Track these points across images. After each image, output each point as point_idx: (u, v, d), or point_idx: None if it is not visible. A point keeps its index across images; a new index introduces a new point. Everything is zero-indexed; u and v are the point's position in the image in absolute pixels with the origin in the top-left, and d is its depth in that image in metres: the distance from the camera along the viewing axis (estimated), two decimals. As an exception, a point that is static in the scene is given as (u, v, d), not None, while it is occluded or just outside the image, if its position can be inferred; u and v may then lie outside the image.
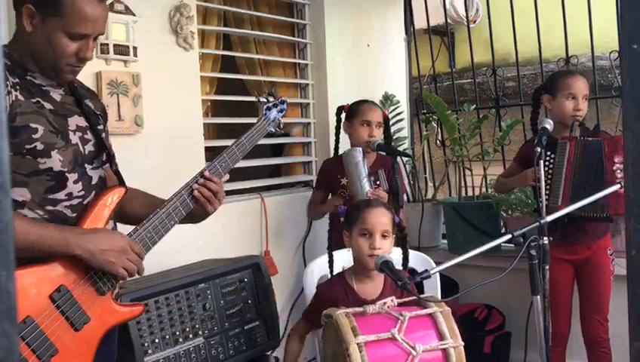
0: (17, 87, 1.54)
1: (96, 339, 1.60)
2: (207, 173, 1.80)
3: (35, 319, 1.47)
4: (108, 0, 2.41)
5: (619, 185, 2.30)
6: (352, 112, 3.00)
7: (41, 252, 1.50)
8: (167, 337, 2.27)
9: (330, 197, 3.07)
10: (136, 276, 1.68)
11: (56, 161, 1.57)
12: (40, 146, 1.54)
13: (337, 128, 3.13)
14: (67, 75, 1.63)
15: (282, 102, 2.15)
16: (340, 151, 3.09)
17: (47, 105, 1.60)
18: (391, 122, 3.68)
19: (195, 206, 1.79)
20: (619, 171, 2.55)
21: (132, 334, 2.12)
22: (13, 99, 1.51)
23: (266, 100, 2.11)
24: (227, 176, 1.87)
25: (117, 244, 1.58)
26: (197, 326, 2.38)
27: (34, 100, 1.57)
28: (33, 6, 1.55)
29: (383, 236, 2.03)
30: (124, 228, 1.76)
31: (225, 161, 1.87)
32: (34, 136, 1.53)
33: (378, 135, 2.93)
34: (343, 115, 3.06)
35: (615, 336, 2.71)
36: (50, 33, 1.55)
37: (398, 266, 2.25)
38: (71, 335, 1.54)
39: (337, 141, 3.14)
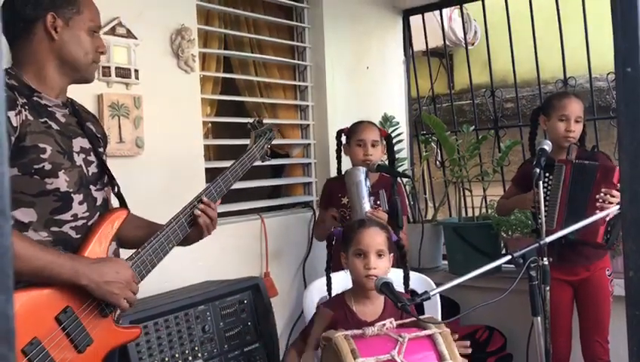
0: (26, 107, 1.55)
1: (98, 361, 1.59)
2: (205, 199, 1.84)
3: (41, 341, 1.47)
4: (110, 24, 2.46)
5: (601, 214, 2.35)
6: (349, 134, 3.03)
7: (49, 278, 1.50)
8: (167, 359, 2.26)
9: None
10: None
11: (62, 182, 1.58)
12: (48, 166, 1.55)
13: (338, 152, 3.15)
14: (91, 74, 1.73)
15: (270, 131, 2.19)
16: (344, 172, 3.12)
17: (54, 126, 1.61)
18: (393, 144, 3.70)
19: (192, 230, 1.81)
20: (600, 200, 2.56)
21: (131, 356, 2.11)
22: (24, 118, 1.53)
23: (255, 126, 2.15)
24: (219, 201, 1.92)
25: (122, 276, 1.59)
26: (196, 348, 2.37)
27: (42, 120, 1.58)
28: (54, 13, 1.61)
29: (379, 255, 2.03)
30: (123, 251, 1.77)
31: (219, 186, 1.91)
32: (42, 156, 1.54)
33: (375, 154, 2.92)
34: (344, 138, 3.08)
35: (616, 358, 2.69)
36: (76, 33, 1.63)
37: (400, 286, 2.25)
38: (74, 357, 1.53)
39: (339, 163, 3.16)
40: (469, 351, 1.94)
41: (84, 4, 1.65)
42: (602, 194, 2.57)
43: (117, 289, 1.57)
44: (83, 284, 1.53)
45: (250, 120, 2.23)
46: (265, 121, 2.31)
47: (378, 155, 2.94)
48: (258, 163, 2.18)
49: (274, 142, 2.31)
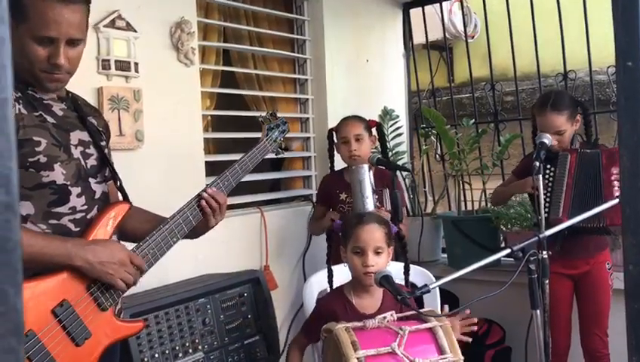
0: (20, 101, 1.55)
1: (97, 355, 1.59)
2: (211, 189, 1.81)
3: (37, 333, 1.47)
4: (109, 17, 2.45)
5: (618, 199, 2.30)
6: (336, 132, 3.05)
7: (43, 263, 1.50)
8: (167, 352, 2.27)
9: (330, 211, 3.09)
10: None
11: (59, 174, 1.58)
12: (43, 159, 1.55)
13: (330, 150, 3.17)
14: (46, 83, 1.60)
15: (284, 123, 2.16)
16: (336, 170, 3.15)
17: (50, 119, 1.61)
18: (390, 137, 3.71)
19: (198, 222, 1.80)
20: (616, 182, 2.55)
21: (132, 349, 2.12)
22: (17, 112, 1.53)
23: (268, 119, 2.12)
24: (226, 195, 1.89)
25: (117, 256, 1.58)
26: (197, 340, 2.38)
27: (36, 114, 1.58)
28: None
29: (377, 252, 2.02)
30: (127, 246, 1.77)
31: (227, 180, 1.88)
32: (37, 149, 1.54)
33: (361, 148, 2.91)
34: (335, 136, 3.10)
35: (615, 351, 2.70)
36: (21, 41, 1.53)
37: (401, 278, 2.25)
38: (72, 351, 1.53)
39: (332, 162, 3.18)
40: (475, 328, 1.95)
41: (34, 12, 1.52)
42: (616, 176, 2.55)
43: (111, 270, 1.57)
44: (77, 265, 1.53)
45: (262, 113, 2.21)
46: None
47: (365, 149, 2.93)
48: (271, 156, 2.16)
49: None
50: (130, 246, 1.70)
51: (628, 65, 0.67)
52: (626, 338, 0.68)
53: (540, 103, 2.77)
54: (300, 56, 3.57)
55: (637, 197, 0.68)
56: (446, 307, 2.08)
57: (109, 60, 2.48)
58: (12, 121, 0.47)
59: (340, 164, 3.16)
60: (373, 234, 2.03)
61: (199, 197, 1.80)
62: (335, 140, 3.11)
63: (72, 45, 1.59)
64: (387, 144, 3.50)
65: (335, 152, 3.16)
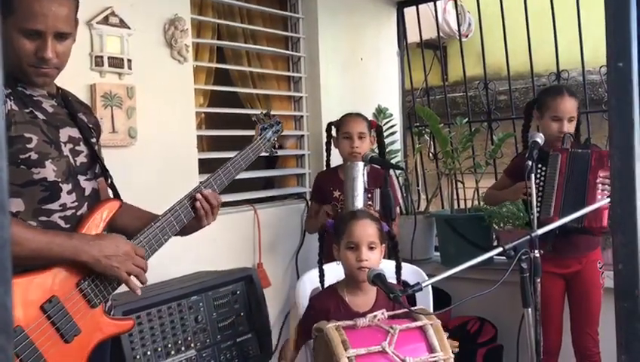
0: (11, 97, 1.54)
1: (86, 352, 1.59)
2: (204, 191, 1.81)
3: (24, 329, 1.46)
4: (103, 13, 2.44)
5: (607, 200, 2.32)
6: (336, 127, 3.04)
7: (49, 258, 1.51)
8: (160, 349, 2.27)
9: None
10: (140, 284, 1.68)
11: (50, 171, 1.57)
12: (34, 156, 1.54)
13: (327, 144, 3.17)
14: (34, 77, 1.59)
15: (278, 123, 2.16)
16: (332, 166, 3.14)
17: (40, 116, 1.60)
18: (384, 135, 3.72)
19: (189, 221, 1.80)
20: (601, 185, 2.57)
21: (124, 346, 2.12)
22: (9, 108, 1.52)
23: (262, 119, 2.13)
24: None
25: (122, 249, 1.60)
26: (189, 338, 2.38)
27: (27, 110, 1.57)
28: None
29: (370, 248, 2.04)
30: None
31: (220, 179, 1.89)
32: (28, 146, 1.54)
33: (362, 146, 2.92)
34: (334, 131, 3.09)
35: (606, 350, 2.72)
36: (9, 34, 1.52)
37: (392, 277, 2.26)
38: (60, 347, 1.53)
39: (328, 156, 3.18)
40: (456, 350, 1.95)
41: (21, 5, 1.51)
42: (602, 179, 2.57)
43: (117, 263, 1.58)
44: (83, 261, 1.54)
45: (256, 111, 2.21)
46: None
47: (366, 147, 2.94)
48: (264, 155, 2.16)
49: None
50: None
51: (619, 66, 0.68)
52: (615, 336, 0.69)
53: (554, 91, 2.82)
54: (295, 53, 3.57)
55: (627, 198, 0.68)
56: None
57: (102, 57, 2.47)
58: (3, 121, 0.47)
59: (335, 160, 3.16)
60: (367, 230, 2.05)
61: (192, 196, 1.80)
62: (334, 135, 3.10)
63: (60, 39, 1.58)
64: (384, 147, 3.49)
65: (332, 147, 3.15)
